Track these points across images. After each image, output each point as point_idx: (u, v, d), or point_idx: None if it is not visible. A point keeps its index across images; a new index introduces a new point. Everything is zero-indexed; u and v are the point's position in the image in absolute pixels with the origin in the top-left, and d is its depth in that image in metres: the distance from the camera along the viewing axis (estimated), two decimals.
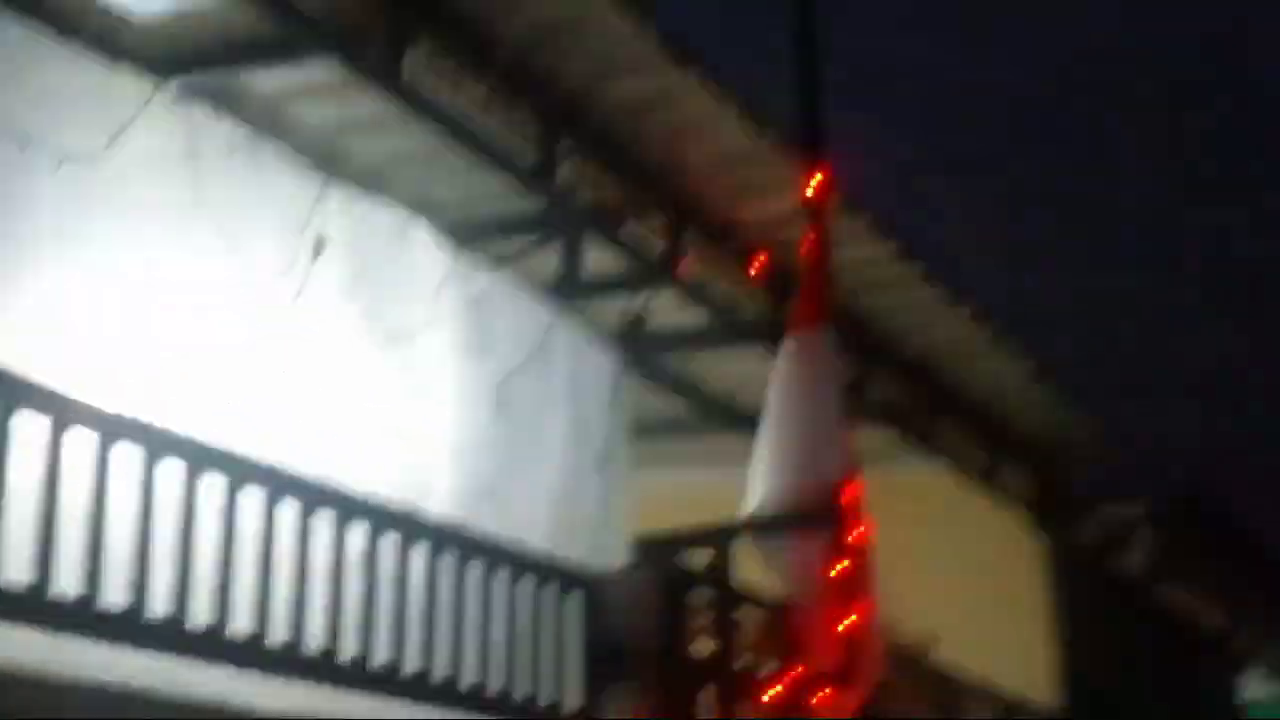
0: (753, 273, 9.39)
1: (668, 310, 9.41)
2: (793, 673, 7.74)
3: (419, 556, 6.56)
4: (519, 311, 8.12)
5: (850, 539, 7.66)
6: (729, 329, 9.56)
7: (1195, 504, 14.80)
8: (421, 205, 8.02)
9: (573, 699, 7.27)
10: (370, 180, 7.86)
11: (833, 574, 7.53)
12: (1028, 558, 12.92)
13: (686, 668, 7.60)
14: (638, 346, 9.02)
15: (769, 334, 9.15)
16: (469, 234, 8.23)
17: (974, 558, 12.69)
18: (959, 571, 12.58)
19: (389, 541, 6.44)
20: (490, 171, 8.05)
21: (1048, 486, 13.16)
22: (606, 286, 8.81)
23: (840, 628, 7.47)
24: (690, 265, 9.01)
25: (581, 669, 7.33)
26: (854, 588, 7.57)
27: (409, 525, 6.59)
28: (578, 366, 8.37)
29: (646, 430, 11.41)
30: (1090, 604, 13.27)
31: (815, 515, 7.66)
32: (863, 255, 9.55)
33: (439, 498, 7.40)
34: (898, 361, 11.18)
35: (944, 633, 12.08)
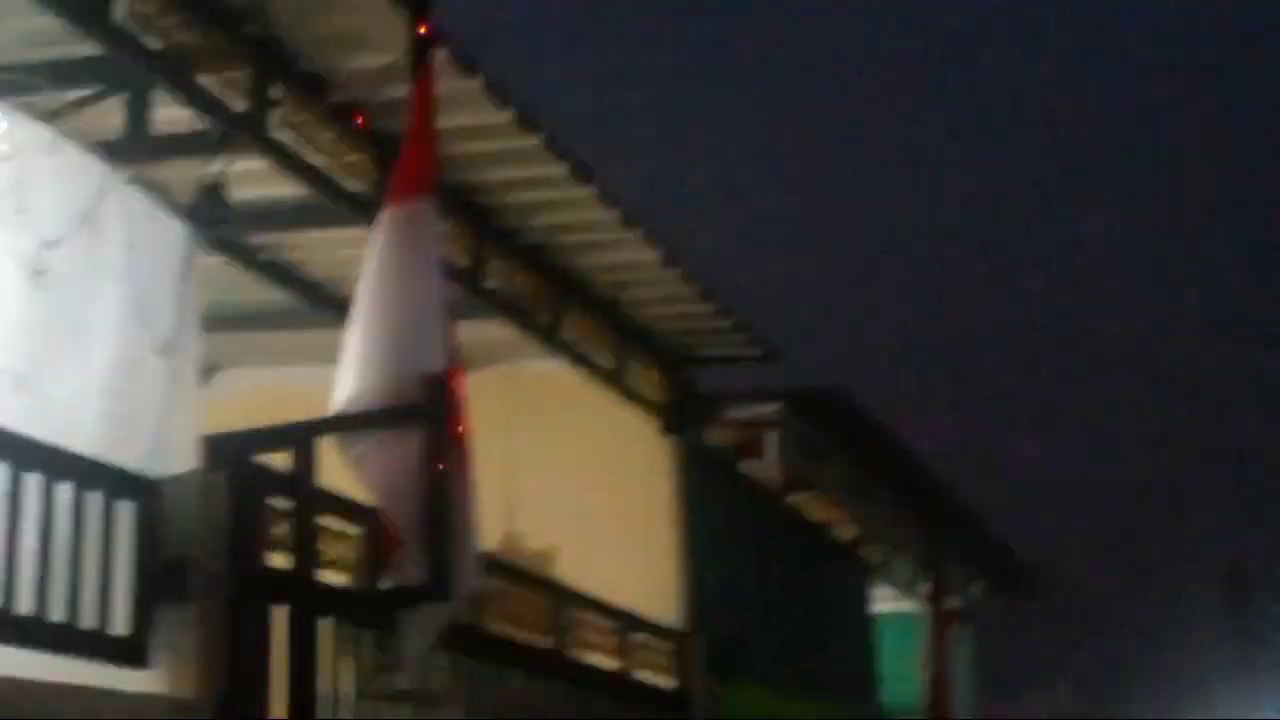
0: (350, 135, 8.78)
1: (255, 179, 8.74)
2: (381, 584, 7.32)
3: None
4: (66, 172, 7.31)
5: (449, 439, 7.25)
6: (326, 203, 8.94)
7: (830, 404, 14.97)
8: None
9: (122, 621, 6.67)
10: None
11: (426, 476, 7.11)
12: (657, 462, 12.82)
13: (259, 582, 7.08)
14: (217, 220, 8.32)
15: (371, 209, 8.61)
16: (8, 83, 7.39)
17: (600, 462, 12.53)
18: (584, 476, 12.41)
19: None
20: (36, 10, 7.22)
21: (679, 385, 13.05)
22: (178, 147, 8.08)
23: (432, 535, 7.05)
24: (279, 125, 8.34)
25: (134, 587, 6.73)
26: (451, 492, 7.16)
27: None
28: (138, 239, 7.62)
29: (235, 320, 10.77)
30: (720, 511, 13.29)
31: (408, 412, 7.20)
32: (476, 122, 9.09)
33: None
34: (518, 245, 10.77)
35: (567, 541, 11.90)
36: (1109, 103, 59.58)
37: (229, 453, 7.21)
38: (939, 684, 17.35)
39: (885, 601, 18.91)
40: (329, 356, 7.99)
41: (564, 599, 10.43)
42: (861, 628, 17.18)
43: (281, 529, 7.33)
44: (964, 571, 20.88)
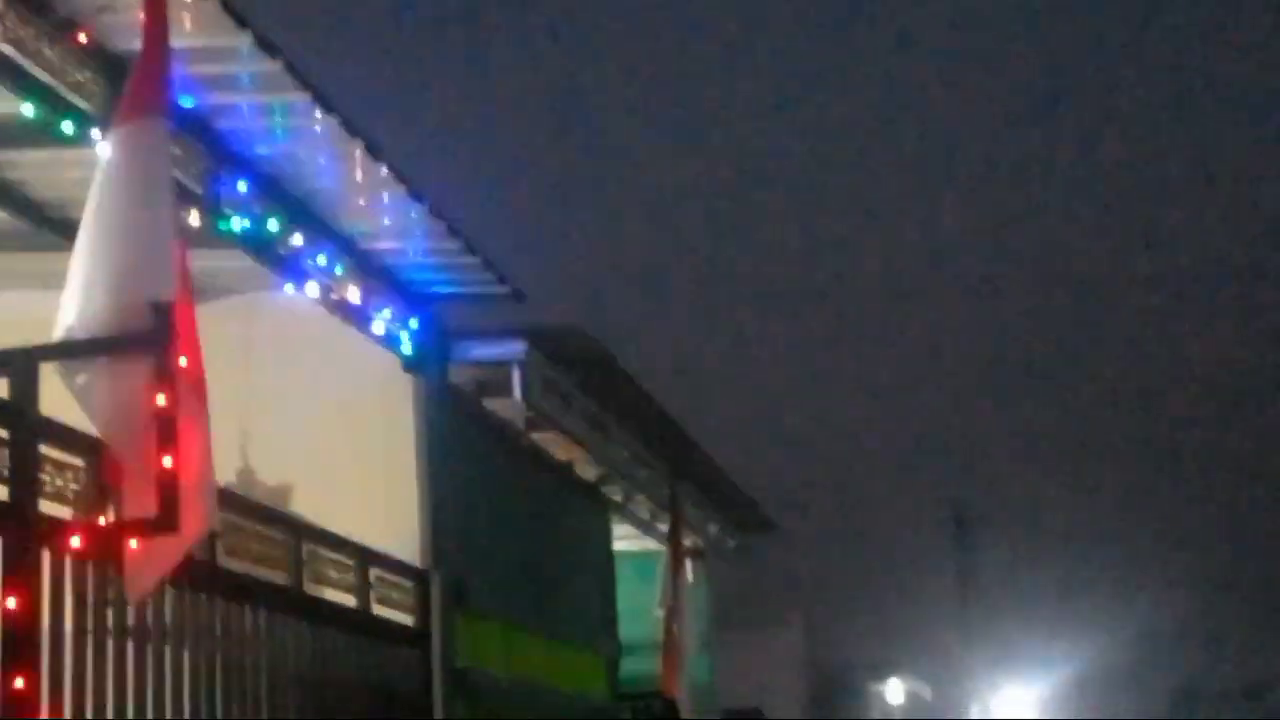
0: (78, 53, 8.35)
1: None
2: (104, 518, 7.02)
3: None
4: None
5: (176, 368, 6.96)
6: (52, 122, 8.48)
7: (573, 344, 14.96)
8: None
9: None
10: None
11: (154, 407, 6.81)
12: (399, 399, 12.61)
13: None
14: None
15: (101, 128, 8.21)
16: None
17: (341, 398, 12.30)
18: (324, 412, 12.17)
19: None
20: None
21: (423, 322, 12.85)
22: None
23: (160, 468, 6.77)
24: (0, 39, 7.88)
25: None
26: (178, 423, 6.88)
27: None
28: None
29: None
30: (463, 449, 13.15)
31: (135, 339, 6.89)
32: (214, 44, 8.74)
33: None
34: (256, 172, 10.42)
35: (305, 478, 11.66)
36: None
37: None
38: (674, 620, 17.52)
39: (625, 540, 19.04)
40: (52, 281, 7.62)
41: (300, 534, 10.18)
42: (602, 565, 17.25)
43: None
44: (701, 511, 21.16)
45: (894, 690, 37.94)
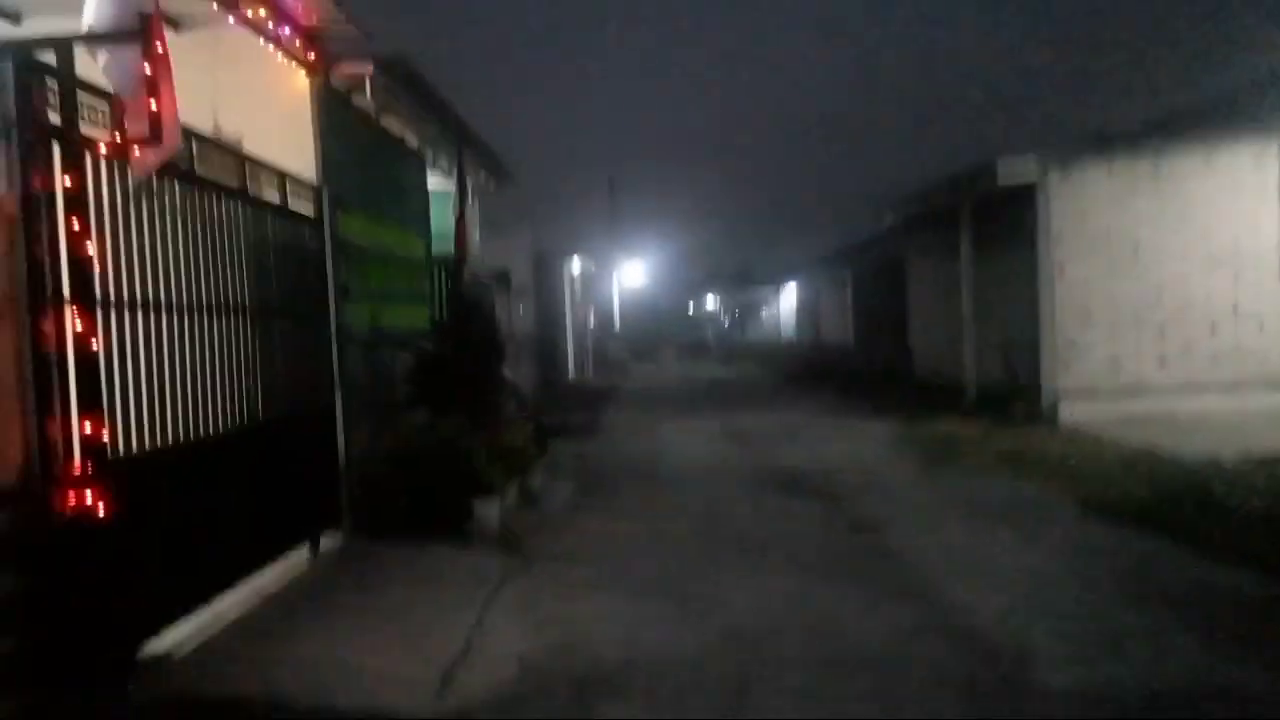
0: None
1: None
2: (118, 136, 6.45)
3: None
4: None
5: (157, 53, 6.33)
6: None
7: (401, 66, 14.08)
8: None
9: None
10: None
11: (144, 74, 6.22)
12: (304, 93, 11.77)
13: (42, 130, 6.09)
14: None
15: None
16: None
17: (265, 96, 11.41)
18: (263, 101, 11.28)
19: None
20: None
21: (318, 49, 11.83)
22: None
23: (149, 109, 6.25)
24: None
25: None
26: (159, 84, 6.32)
27: None
28: None
29: None
30: (343, 127, 12.44)
31: (131, 33, 6.21)
32: None
33: None
34: None
35: (250, 137, 10.87)
36: None
37: (16, 52, 6.03)
38: (461, 230, 17.34)
39: (434, 182, 18.47)
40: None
41: (245, 160, 9.57)
42: (421, 192, 16.78)
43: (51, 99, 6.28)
44: (473, 166, 20.65)
45: None
